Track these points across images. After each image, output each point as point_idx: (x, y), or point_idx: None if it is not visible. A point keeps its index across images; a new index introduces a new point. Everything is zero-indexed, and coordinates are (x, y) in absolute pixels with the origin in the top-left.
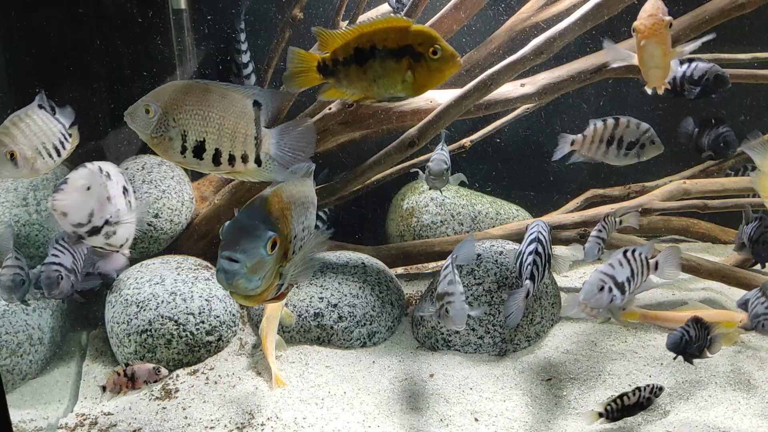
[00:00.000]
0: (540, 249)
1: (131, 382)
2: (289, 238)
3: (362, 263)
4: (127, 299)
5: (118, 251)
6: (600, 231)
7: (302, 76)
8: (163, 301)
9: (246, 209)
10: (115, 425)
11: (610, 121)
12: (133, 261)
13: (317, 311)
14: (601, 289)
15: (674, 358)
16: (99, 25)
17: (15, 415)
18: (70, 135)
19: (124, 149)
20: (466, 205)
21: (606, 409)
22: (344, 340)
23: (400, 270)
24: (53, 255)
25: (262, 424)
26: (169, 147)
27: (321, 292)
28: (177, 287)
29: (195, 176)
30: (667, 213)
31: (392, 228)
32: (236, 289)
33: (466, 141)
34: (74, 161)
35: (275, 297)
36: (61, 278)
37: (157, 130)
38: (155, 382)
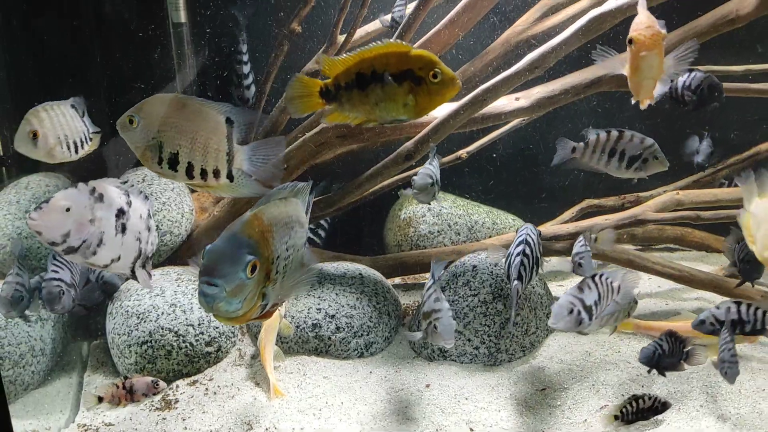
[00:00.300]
0: (528, 251)
1: (130, 394)
2: (271, 259)
3: (360, 274)
4: (127, 311)
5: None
6: (586, 245)
7: (305, 101)
8: (163, 313)
9: (225, 233)
10: None
11: (614, 133)
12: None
13: (315, 322)
14: (570, 311)
15: (648, 371)
16: (100, 37)
17: (17, 426)
18: (91, 139)
19: (122, 159)
20: (463, 215)
21: (621, 412)
22: (342, 350)
23: (397, 280)
24: (53, 271)
25: None
26: (148, 157)
27: (319, 303)
28: (177, 299)
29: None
30: (661, 222)
31: (390, 237)
32: (217, 312)
33: (462, 152)
34: (75, 171)
35: (260, 316)
36: (63, 293)
37: (138, 140)
38: (154, 395)
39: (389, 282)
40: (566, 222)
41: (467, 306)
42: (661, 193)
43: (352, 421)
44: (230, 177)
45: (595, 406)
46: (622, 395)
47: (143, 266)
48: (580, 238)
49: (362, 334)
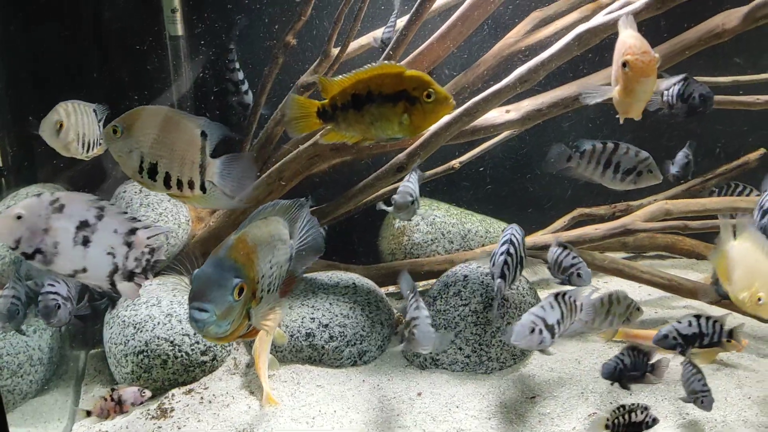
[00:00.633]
0: (512, 250)
1: (119, 405)
2: (256, 279)
3: (353, 283)
4: (124, 320)
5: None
6: (575, 257)
7: (303, 122)
8: (159, 323)
9: (212, 258)
10: None
11: (610, 145)
12: None
13: (309, 331)
14: (532, 330)
15: (611, 384)
16: (98, 50)
17: None
18: (100, 143)
19: (118, 168)
20: (456, 223)
21: (613, 423)
22: (335, 359)
23: (391, 288)
24: (49, 284)
25: None
26: (130, 166)
27: (312, 313)
28: (173, 308)
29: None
30: (650, 232)
31: (384, 246)
32: (207, 335)
33: (455, 162)
34: (72, 180)
35: (246, 334)
36: (59, 307)
37: (121, 150)
38: (141, 404)
39: (382, 291)
40: (558, 231)
41: (458, 315)
42: (651, 203)
43: (344, 429)
44: (203, 188)
45: (584, 414)
46: (611, 403)
47: (132, 280)
48: (563, 250)
49: (355, 343)
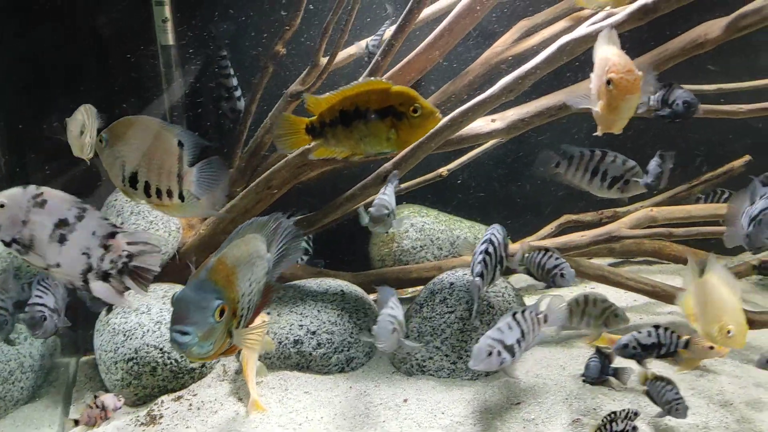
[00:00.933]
0: (491, 249)
1: (103, 411)
2: (236, 299)
3: (341, 291)
4: (114, 328)
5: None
6: (558, 258)
7: (293, 138)
8: (148, 330)
9: (192, 281)
10: None
11: (597, 153)
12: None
13: (297, 338)
14: (489, 354)
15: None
16: (92, 56)
17: None
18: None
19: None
20: (445, 230)
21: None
22: (323, 365)
23: None
24: (36, 296)
25: None
26: (114, 174)
27: (301, 320)
28: (162, 316)
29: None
30: (635, 238)
31: (374, 252)
32: (190, 356)
33: (443, 170)
34: (64, 187)
35: (227, 351)
36: (45, 318)
37: (107, 159)
38: (119, 408)
39: (371, 297)
40: (545, 237)
41: (444, 322)
42: (637, 209)
43: None
44: (182, 197)
45: (567, 420)
46: (594, 409)
47: (105, 280)
48: (545, 253)
49: (343, 350)
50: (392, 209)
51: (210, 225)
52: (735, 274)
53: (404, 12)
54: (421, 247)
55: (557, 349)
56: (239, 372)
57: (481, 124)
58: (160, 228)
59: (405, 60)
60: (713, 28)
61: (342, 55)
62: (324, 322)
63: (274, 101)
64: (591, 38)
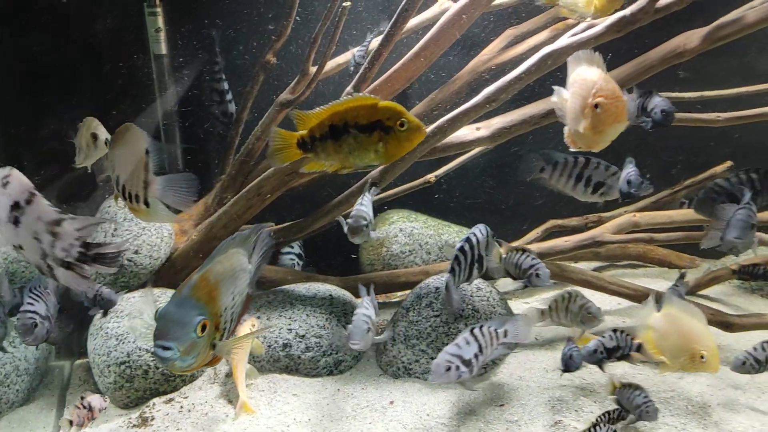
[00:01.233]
0: (467, 248)
1: (90, 412)
2: (219, 313)
3: (330, 295)
4: (107, 332)
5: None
6: (534, 258)
7: (284, 153)
8: (141, 334)
9: (175, 297)
10: None
11: (581, 159)
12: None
13: (286, 342)
14: (448, 369)
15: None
16: (87, 69)
17: None
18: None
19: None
20: (434, 235)
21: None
22: (311, 368)
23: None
24: (28, 303)
25: None
26: (112, 177)
27: (290, 324)
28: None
29: (177, 210)
30: (618, 243)
31: (364, 256)
32: (173, 369)
33: (431, 176)
34: (63, 192)
35: (211, 362)
36: (36, 325)
37: (109, 163)
38: (104, 409)
39: (359, 302)
40: (531, 242)
41: (430, 326)
42: (621, 214)
43: None
44: (147, 203)
45: (550, 421)
46: (575, 411)
47: (70, 268)
48: (522, 253)
49: (331, 353)
50: (370, 219)
51: (202, 230)
52: (715, 278)
53: (391, 21)
54: (410, 251)
55: (540, 352)
56: (229, 375)
57: (466, 132)
58: (153, 234)
59: (392, 69)
60: (692, 38)
61: (331, 64)
62: (313, 326)
63: (265, 108)
64: (572, 49)
